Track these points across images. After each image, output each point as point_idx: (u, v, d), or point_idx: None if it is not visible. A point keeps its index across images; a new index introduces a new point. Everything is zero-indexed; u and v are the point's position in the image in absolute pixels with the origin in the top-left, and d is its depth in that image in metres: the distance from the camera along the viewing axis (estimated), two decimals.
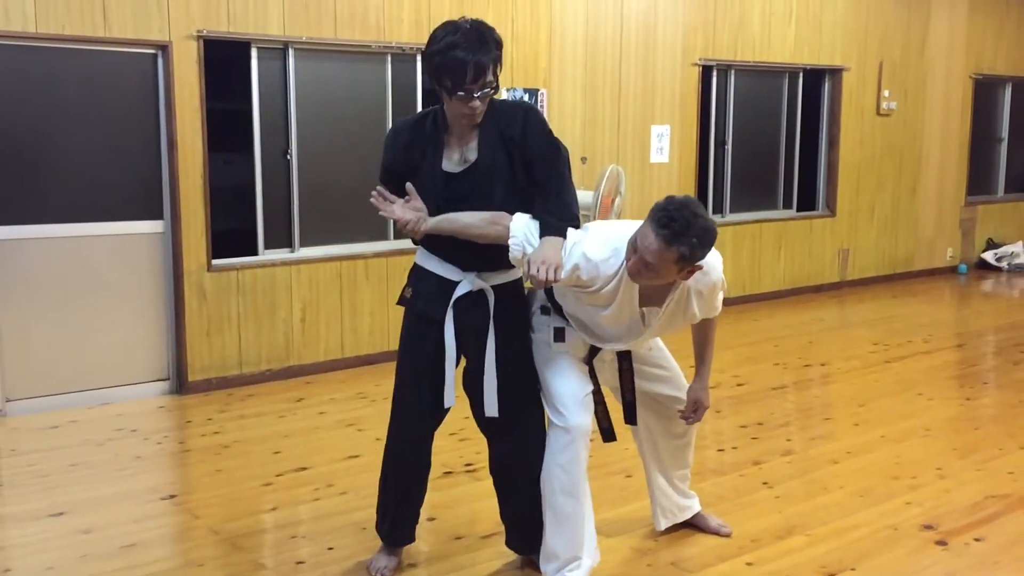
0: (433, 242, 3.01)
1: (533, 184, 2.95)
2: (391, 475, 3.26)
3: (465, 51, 2.75)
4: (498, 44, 2.82)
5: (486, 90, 2.81)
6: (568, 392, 3.01)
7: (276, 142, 5.84)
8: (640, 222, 2.83)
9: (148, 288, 5.46)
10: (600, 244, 2.85)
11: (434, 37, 2.82)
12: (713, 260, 2.88)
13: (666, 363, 3.33)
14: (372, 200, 2.97)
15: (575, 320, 3.02)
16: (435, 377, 3.07)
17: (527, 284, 2.87)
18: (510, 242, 2.86)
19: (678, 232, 2.65)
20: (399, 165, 3.01)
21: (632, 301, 2.88)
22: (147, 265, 5.44)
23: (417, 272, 3.12)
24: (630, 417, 3.23)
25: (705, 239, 2.70)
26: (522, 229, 2.85)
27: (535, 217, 2.89)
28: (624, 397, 3.20)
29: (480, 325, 3.03)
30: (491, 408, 3.04)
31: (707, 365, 3.24)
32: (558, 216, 2.88)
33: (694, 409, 3.25)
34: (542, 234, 2.84)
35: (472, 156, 2.94)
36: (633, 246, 2.74)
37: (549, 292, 3.07)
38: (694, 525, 3.59)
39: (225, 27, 5.47)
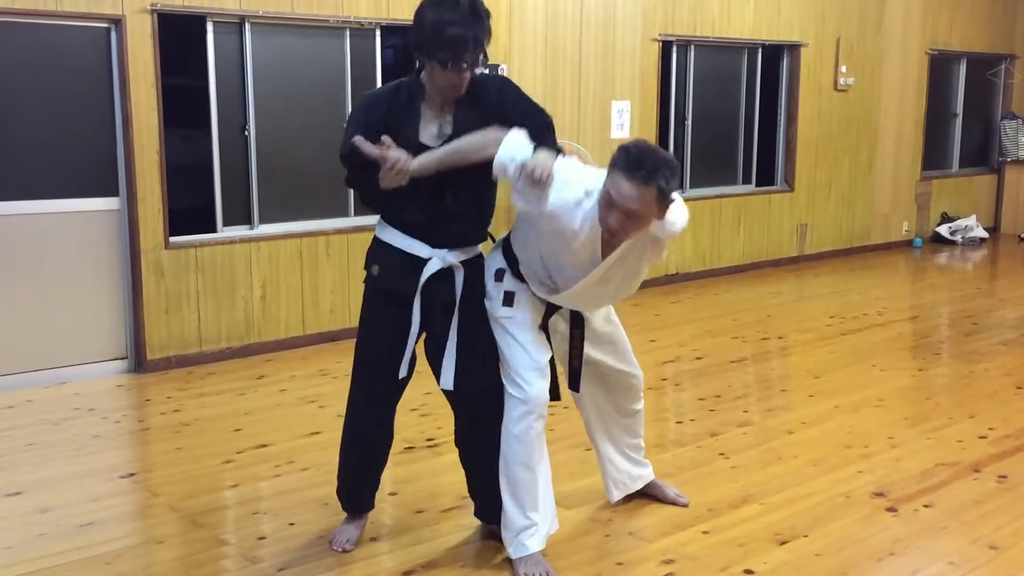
0: (401, 218, 3.01)
1: None
2: (355, 446, 3.27)
3: (461, 26, 2.76)
4: (488, 15, 2.85)
5: (478, 63, 2.85)
6: (525, 363, 3.03)
7: (233, 118, 5.78)
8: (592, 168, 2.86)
9: (105, 266, 5.40)
10: (574, 186, 2.82)
11: (423, 13, 2.82)
12: (680, 209, 2.89)
13: (615, 334, 3.36)
14: (355, 142, 2.82)
15: (533, 262, 3.01)
16: (397, 350, 3.08)
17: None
18: (500, 151, 2.81)
19: (652, 170, 2.69)
20: (373, 137, 2.90)
21: (596, 243, 2.87)
22: (103, 243, 5.38)
23: (382, 248, 3.09)
24: (574, 383, 3.25)
25: (674, 168, 2.77)
26: (512, 149, 2.81)
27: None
28: (571, 364, 3.22)
29: (446, 300, 3.05)
30: (447, 381, 3.06)
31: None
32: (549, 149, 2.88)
33: None
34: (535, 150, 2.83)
35: (448, 130, 2.95)
36: (607, 203, 2.74)
37: (508, 246, 3.08)
38: (651, 495, 3.65)
39: (180, 1, 5.39)
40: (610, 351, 3.35)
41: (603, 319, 3.31)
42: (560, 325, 3.17)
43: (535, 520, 3.09)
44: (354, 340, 3.24)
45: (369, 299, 3.16)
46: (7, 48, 4.99)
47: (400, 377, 3.13)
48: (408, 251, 3.03)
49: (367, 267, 3.14)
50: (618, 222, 2.75)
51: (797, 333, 6.47)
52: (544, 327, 3.12)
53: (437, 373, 3.12)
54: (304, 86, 6.01)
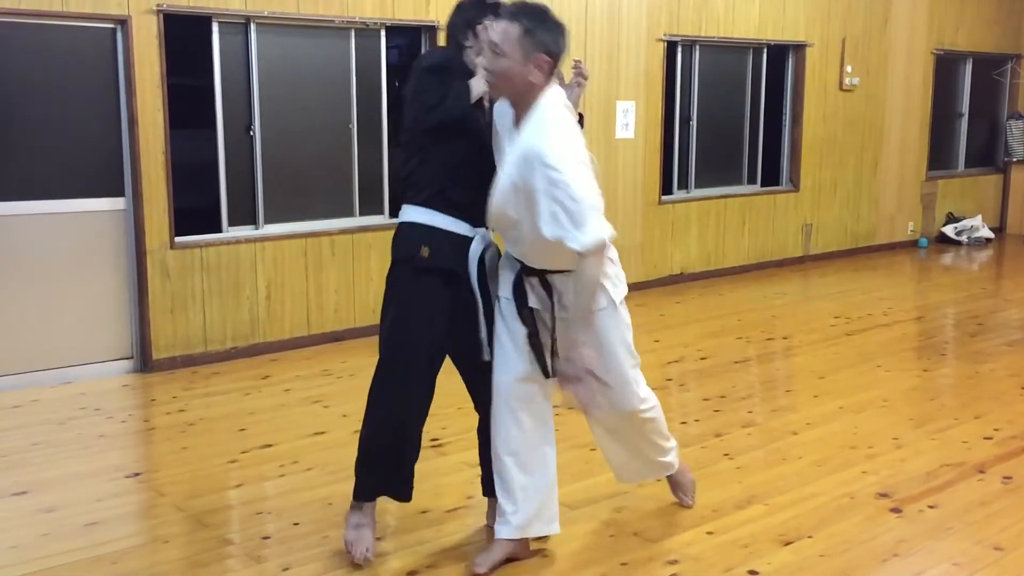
0: (445, 199, 3.06)
1: None
2: (399, 434, 3.16)
3: None
4: None
5: None
6: (498, 351, 3.10)
7: (239, 118, 5.79)
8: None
9: (110, 266, 5.42)
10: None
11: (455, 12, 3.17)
12: (551, 137, 2.84)
13: (616, 374, 3.19)
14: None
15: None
16: (446, 329, 3.12)
17: None
18: None
19: (523, 11, 2.89)
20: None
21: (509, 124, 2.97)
22: (109, 243, 5.39)
23: (426, 230, 3.09)
24: (544, 369, 3.16)
25: (548, 24, 2.91)
26: None
27: None
28: (551, 348, 3.17)
29: (480, 277, 3.14)
30: (487, 351, 3.13)
31: (576, 316, 2.90)
32: None
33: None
34: None
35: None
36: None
37: None
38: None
39: (185, 1, 5.40)
40: (608, 393, 3.15)
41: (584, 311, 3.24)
42: (534, 301, 3.15)
43: (505, 507, 3.08)
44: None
45: (413, 280, 3.10)
46: (13, 49, 5.00)
47: (485, 359, 3.14)
48: (457, 231, 3.09)
49: (409, 250, 3.10)
50: (486, 56, 2.91)
51: (802, 334, 6.46)
52: (524, 303, 3.09)
53: (463, 358, 3.18)
54: (309, 86, 6.01)
